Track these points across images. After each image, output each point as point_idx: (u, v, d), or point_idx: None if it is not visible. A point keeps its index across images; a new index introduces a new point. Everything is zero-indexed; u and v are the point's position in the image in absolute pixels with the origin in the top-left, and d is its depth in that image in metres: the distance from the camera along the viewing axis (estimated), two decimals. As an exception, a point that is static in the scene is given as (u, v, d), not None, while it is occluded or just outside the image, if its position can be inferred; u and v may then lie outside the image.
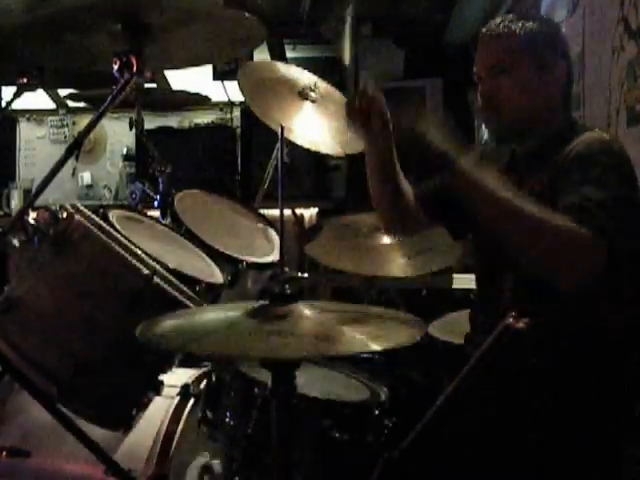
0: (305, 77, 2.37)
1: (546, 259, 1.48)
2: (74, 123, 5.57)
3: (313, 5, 4.70)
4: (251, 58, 4.80)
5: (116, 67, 1.64)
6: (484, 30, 1.76)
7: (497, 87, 1.71)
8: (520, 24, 1.71)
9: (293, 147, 2.36)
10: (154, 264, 1.65)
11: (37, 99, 5.24)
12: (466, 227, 1.85)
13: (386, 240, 2.25)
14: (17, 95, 1.93)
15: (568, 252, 1.46)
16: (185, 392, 1.75)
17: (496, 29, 1.73)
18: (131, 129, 3.36)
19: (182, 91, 4.52)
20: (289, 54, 5.27)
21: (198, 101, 4.94)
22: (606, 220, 1.44)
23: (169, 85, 5.20)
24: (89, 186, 5.55)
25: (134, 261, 1.57)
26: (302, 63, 5.12)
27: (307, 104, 2.34)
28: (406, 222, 1.92)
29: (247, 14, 1.62)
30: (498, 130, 1.77)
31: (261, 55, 4.95)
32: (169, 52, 1.80)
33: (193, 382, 1.78)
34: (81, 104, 4.87)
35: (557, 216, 1.47)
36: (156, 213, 2.64)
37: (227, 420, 1.59)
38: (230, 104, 5.33)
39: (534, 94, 1.70)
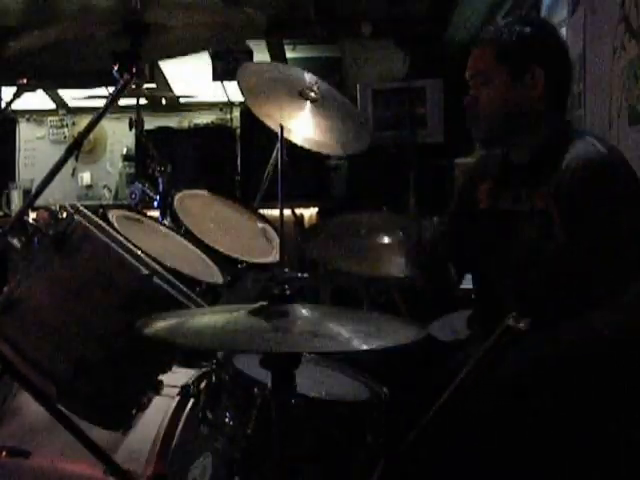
0: (305, 77, 2.37)
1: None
2: (74, 123, 5.58)
3: (314, 5, 4.70)
4: (251, 58, 4.81)
5: (116, 68, 1.64)
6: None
7: (477, 97, 1.77)
8: (502, 32, 1.75)
9: (293, 147, 2.36)
10: (154, 264, 1.65)
11: (37, 99, 5.25)
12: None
13: (386, 240, 2.25)
14: (17, 95, 1.94)
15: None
16: (185, 392, 1.75)
17: (480, 39, 1.79)
18: (131, 129, 3.36)
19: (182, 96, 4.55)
20: (289, 54, 5.27)
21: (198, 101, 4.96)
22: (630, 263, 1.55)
23: (169, 85, 5.20)
24: (89, 186, 5.55)
25: (133, 261, 1.56)
26: (302, 63, 5.13)
27: (307, 104, 2.33)
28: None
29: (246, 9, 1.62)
30: (480, 140, 1.84)
31: (261, 55, 4.95)
32: (166, 43, 1.79)
33: (193, 382, 1.77)
34: (81, 104, 4.88)
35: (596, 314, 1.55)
36: (156, 213, 2.63)
37: (227, 420, 1.59)
38: (230, 104, 5.34)
39: (511, 102, 1.73)
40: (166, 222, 2.38)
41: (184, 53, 1.91)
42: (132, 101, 3.77)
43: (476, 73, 1.77)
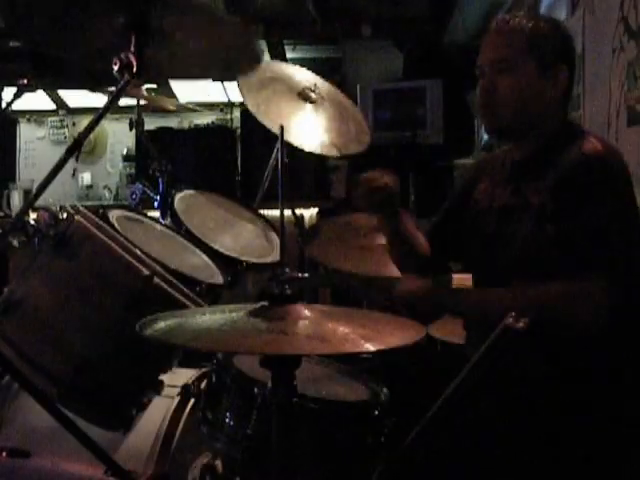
0: (305, 77, 2.37)
1: (556, 324, 1.53)
2: (74, 124, 5.58)
3: (314, 5, 4.70)
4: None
5: (116, 68, 1.63)
6: (494, 23, 1.74)
7: (497, 84, 1.69)
8: (531, 23, 1.69)
9: (293, 147, 2.36)
10: (154, 265, 1.65)
11: (37, 100, 5.25)
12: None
13: (386, 240, 2.25)
14: (17, 96, 1.94)
15: (572, 314, 1.52)
16: (185, 392, 1.75)
17: (505, 24, 1.71)
18: (131, 130, 3.36)
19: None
20: (289, 54, 5.27)
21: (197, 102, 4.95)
22: (603, 253, 1.52)
23: (169, 85, 5.20)
24: (89, 186, 5.56)
25: (134, 262, 1.57)
26: (302, 63, 5.13)
27: (307, 105, 2.33)
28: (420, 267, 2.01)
29: (244, 18, 1.62)
30: (492, 128, 1.77)
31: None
32: (169, 63, 1.79)
33: (193, 382, 1.78)
34: (81, 105, 4.89)
35: (549, 286, 1.53)
36: (156, 213, 2.64)
37: (227, 420, 1.59)
38: (230, 105, 5.34)
39: (533, 98, 1.68)
40: (166, 222, 2.38)
41: (187, 76, 1.89)
42: (132, 101, 3.76)
43: (498, 60, 1.69)
